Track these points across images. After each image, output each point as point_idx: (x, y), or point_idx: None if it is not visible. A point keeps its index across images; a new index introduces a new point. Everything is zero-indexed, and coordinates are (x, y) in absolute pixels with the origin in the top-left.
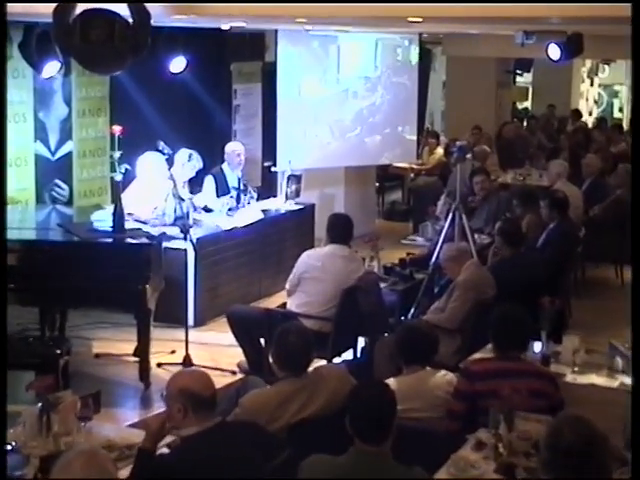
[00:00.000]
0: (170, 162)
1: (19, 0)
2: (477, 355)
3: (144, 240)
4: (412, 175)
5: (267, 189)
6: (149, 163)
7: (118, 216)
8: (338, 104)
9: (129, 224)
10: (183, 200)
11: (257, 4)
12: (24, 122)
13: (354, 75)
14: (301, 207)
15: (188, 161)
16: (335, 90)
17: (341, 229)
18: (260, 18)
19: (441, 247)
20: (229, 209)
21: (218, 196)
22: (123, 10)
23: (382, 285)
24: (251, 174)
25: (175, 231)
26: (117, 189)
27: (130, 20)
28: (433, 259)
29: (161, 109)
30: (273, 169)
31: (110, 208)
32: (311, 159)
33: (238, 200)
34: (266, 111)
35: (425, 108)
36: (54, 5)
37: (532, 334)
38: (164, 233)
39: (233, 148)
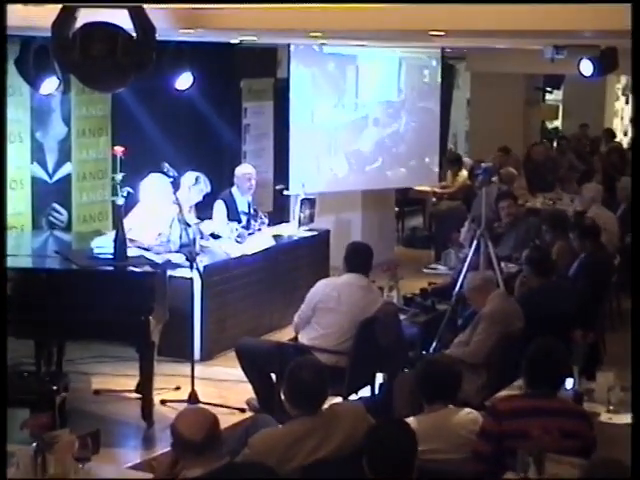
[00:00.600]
0: (175, 185)
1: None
2: (504, 392)
3: (147, 268)
4: (434, 199)
5: (279, 214)
6: (153, 186)
7: (120, 243)
8: (356, 132)
9: (131, 251)
10: (189, 226)
11: (269, 15)
12: (20, 142)
13: (374, 100)
14: (315, 233)
15: (195, 184)
16: (353, 116)
17: (361, 258)
18: (272, 32)
19: (465, 276)
20: (238, 235)
21: (227, 222)
22: (126, 23)
23: (402, 317)
24: (262, 198)
25: (180, 259)
26: (119, 214)
27: (134, 34)
28: (456, 289)
29: (166, 129)
30: (285, 193)
31: (111, 234)
32: (326, 182)
33: (248, 226)
34: (278, 131)
35: (448, 128)
36: (52, 18)
37: (566, 371)
38: (169, 261)
39: (244, 171)
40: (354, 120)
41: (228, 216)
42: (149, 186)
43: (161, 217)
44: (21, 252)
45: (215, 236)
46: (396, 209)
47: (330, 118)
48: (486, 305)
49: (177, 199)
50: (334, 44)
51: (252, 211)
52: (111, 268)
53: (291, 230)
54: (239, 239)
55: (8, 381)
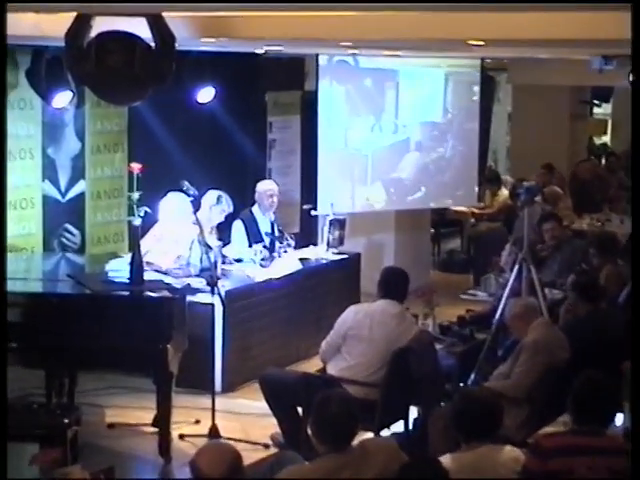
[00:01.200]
0: (196, 205)
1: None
2: (548, 429)
3: (165, 294)
4: (473, 220)
5: (306, 236)
6: (172, 206)
7: (136, 266)
8: (396, 157)
9: (149, 275)
10: (210, 248)
11: (296, 23)
12: (31, 159)
13: (416, 120)
14: (345, 257)
15: (217, 204)
16: (392, 139)
17: (395, 284)
18: (299, 41)
19: (506, 303)
20: (262, 259)
21: (250, 244)
22: (144, 32)
23: (438, 346)
24: (288, 218)
25: (201, 283)
26: (135, 235)
27: (152, 44)
28: (497, 317)
29: (186, 144)
30: (313, 213)
31: (127, 257)
32: (357, 202)
33: (272, 248)
34: (306, 147)
35: (487, 144)
36: (66, 27)
37: (616, 406)
38: (188, 285)
39: (265, 187)
40: (393, 143)
41: (248, 237)
42: (167, 206)
43: (180, 239)
44: (31, 275)
45: (237, 259)
46: (432, 230)
47: (366, 140)
48: (528, 334)
49: (197, 219)
50: (369, 55)
51: (277, 232)
52: (127, 293)
53: (319, 253)
54: (263, 262)
55: (16, 414)
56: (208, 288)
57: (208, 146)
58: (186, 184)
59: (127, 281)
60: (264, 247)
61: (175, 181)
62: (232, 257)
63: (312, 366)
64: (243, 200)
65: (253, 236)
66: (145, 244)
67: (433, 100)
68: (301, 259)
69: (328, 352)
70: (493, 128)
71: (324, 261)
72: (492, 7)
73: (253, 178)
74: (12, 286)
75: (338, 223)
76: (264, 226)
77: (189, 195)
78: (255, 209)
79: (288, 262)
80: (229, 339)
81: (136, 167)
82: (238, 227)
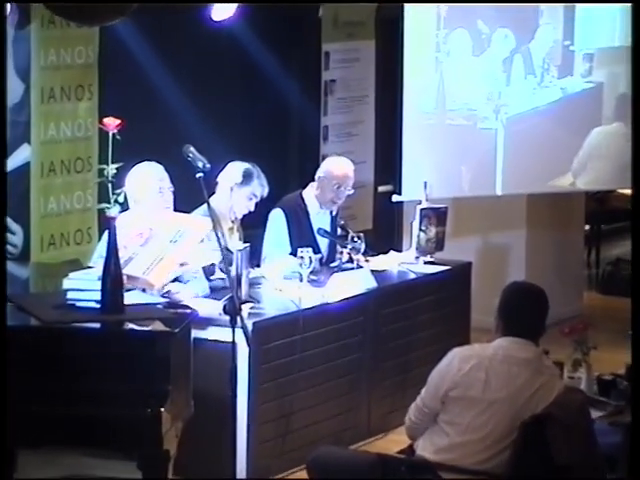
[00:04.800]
0: (208, 185)
1: None
2: None
3: (158, 326)
4: None
5: (383, 235)
6: (149, 183)
7: (112, 282)
8: (541, 124)
9: (131, 296)
10: (231, 253)
11: None
12: None
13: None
14: (445, 269)
15: (242, 183)
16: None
17: (526, 312)
18: None
19: None
20: (313, 271)
21: (294, 248)
22: None
23: (595, 414)
24: (355, 207)
25: (215, 309)
26: (111, 233)
27: None
28: None
29: (193, 88)
30: (395, 198)
31: (97, 268)
32: (465, 181)
33: (330, 255)
34: (384, 92)
35: None
36: None
37: None
38: (195, 314)
39: (336, 170)
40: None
41: (292, 238)
42: (141, 183)
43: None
44: None
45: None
46: (586, 227)
47: (488, 85)
48: None
49: (210, 209)
50: None
51: (339, 231)
52: (97, 326)
53: (405, 263)
54: (315, 277)
55: None
56: (227, 318)
57: (228, 91)
58: (192, 151)
59: (97, 306)
60: (316, 253)
61: (174, 146)
62: (266, 269)
63: (391, 444)
64: (283, 176)
65: (300, 236)
66: (127, 247)
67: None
68: (374, 272)
69: (418, 424)
70: None
71: (412, 276)
72: None
73: (298, 142)
74: None
75: (435, 215)
76: (318, 221)
77: (198, 169)
78: (308, 194)
79: (355, 278)
80: (259, 400)
81: (112, 123)
82: (277, 222)
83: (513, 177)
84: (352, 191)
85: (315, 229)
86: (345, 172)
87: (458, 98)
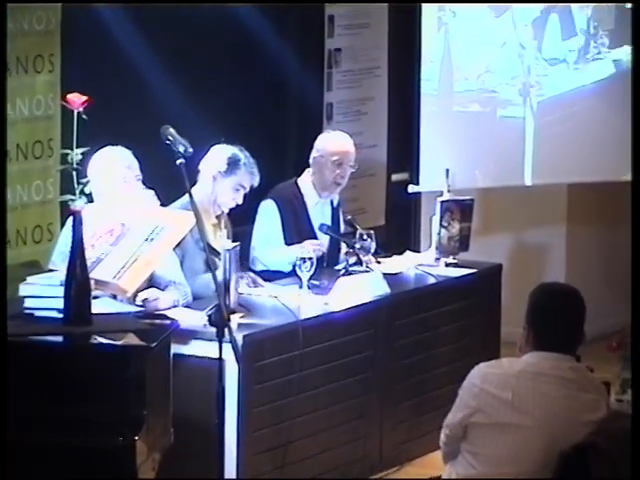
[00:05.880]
0: (191, 173)
1: None
2: None
3: (132, 340)
4: None
5: (398, 232)
6: (117, 171)
7: (77, 288)
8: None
9: (100, 305)
10: (218, 254)
11: None
12: None
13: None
14: (471, 272)
15: (227, 171)
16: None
17: (563, 322)
18: None
19: None
20: (313, 275)
21: (288, 245)
22: None
23: None
24: (364, 199)
25: (199, 320)
26: (76, 230)
27: None
28: None
29: (172, 58)
30: (411, 189)
31: (60, 271)
32: (493, 170)
33: (334, 256)
34: (397, 65)
35: None
36: None
37: None
38: (176, 325)
39: (331, 146)
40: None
41: (285, 235)
42: (110, 169)
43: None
44: None
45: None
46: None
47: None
48: None
49: (192, 201)
50: None
51: (343, 225)
52: (59, 339)
53: (423, 264)
54: (317, 282)
55: None
56: (213, 330)
57: (214, 63)
58: (171, 133)
59: (59, 316)
60: (317, 252)
61: (150, 127)
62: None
63: (410, 477)
64: (279, 165)
65: (296, 231)
66: (95, 246)
67: None
68: (386, 276)
69: (448, 445)
70: None
71: (432, 281)
72: None
73: (298, 124)
74: None
75: (459, 209)
76: (317, 213)
77: (178, 154)
78: (304, 182)
79: (363, 282)
80: (251, 427)
81: (77, 101)
82: (268, 215)
83: (546, 165)
84: (356, 167)
85: (315, 224)
86: (344, 145)
87: (470, 75)
